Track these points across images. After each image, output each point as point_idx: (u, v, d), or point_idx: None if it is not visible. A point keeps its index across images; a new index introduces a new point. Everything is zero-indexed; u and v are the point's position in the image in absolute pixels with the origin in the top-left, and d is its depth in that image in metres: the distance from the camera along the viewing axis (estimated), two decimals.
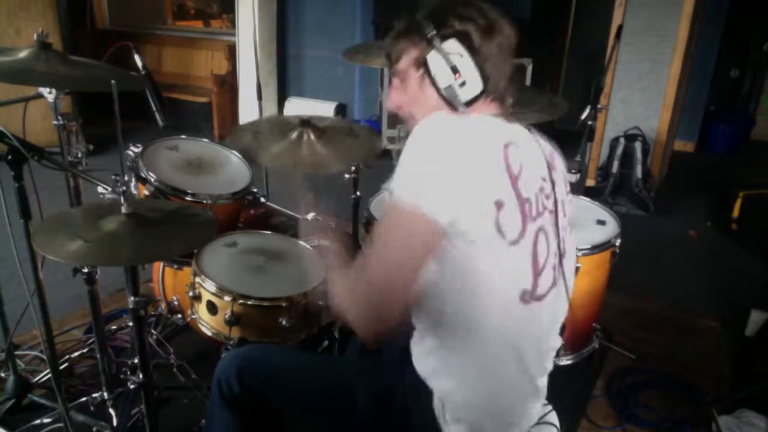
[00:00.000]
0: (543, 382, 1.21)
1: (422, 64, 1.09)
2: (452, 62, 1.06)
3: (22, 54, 1.65)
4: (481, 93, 1.08)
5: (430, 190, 0.97)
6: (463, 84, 1.07)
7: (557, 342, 1.23)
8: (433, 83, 1.09)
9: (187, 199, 1.96)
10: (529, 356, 1.12)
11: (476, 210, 0.98)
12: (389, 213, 1.01)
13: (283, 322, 1.65)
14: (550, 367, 1.23)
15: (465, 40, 1.06)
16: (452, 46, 1.06)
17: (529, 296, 1.07)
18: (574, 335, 2.11)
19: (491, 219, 0.98)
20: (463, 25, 1.06)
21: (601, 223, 2.13)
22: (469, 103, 1.09)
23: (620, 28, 2.83)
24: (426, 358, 1.15)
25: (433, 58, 1.07)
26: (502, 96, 1.13)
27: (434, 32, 1.06)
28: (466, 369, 1.10)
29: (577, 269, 1.94)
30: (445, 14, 1.07)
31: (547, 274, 1.10)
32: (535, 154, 1.12)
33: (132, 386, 1.48)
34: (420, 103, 1.14)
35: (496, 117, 1.10)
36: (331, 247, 1.21)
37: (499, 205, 0.99)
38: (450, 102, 1.09)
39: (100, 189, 1.59)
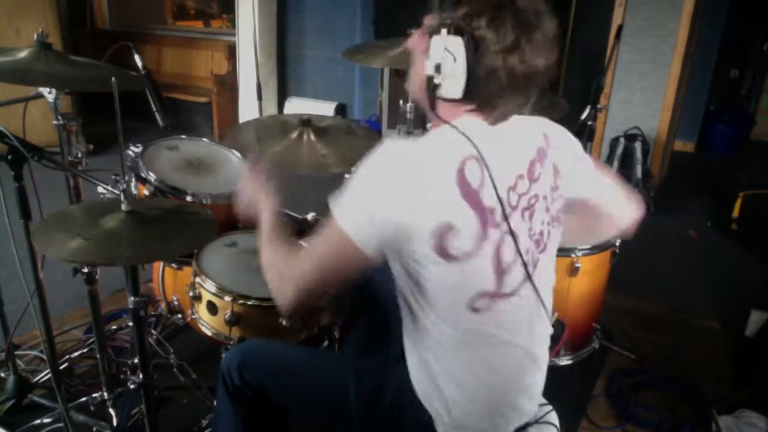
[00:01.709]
0: (532, 379, 1.20)
1: (429, 39, 1.03)
2: (439, 60, 1.00)
3: (22, 54, 1.65)
4: (459, 99, 1.03)
5: (363, 220, 1.01)
6: (439, 84, 1.03)
7: (543, 335, 1.22)
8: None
9: (187, 199, 1.96)
10: (503, 365, 1.13)
11: (413, 238, 1.01)
12: (329, 226, 1.05)
13: (283, 322, 1.65)
14: (542, 360, 1.22)
15: (474, 44, 0.98)
16: (456, 42, 0.99)
17: (491, 297, 1.07)
18: (574, 335, 2.11)
19: (430, 244, 1.00)
20: (486, 31, 0.98)
21: None
22: (444, 99, 1.05)
23: (620, 28, 2.83)
24: (413, 367, 1.16)
25: (434, 44, 1.02)
26: (491, 110, 1.06)
27: (449, 20, 0.99)
28: (444, 376, 1.12)
29: (577, 269, 1.95)
30: (483, 8, 0.99)
31: (517, 270, 1.09)
32: (515, 151, 1.10)
33: (132, 386, 1.48)
34: (414, 75, 1.11)
35: (473, 121, 1.06)
36: (265, 212, 1.28)
37: (446, 229, 1.00)
38: (427, 90, 1.05)
39: (100, 189, 1.60)
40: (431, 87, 1.03)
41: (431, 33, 1.02)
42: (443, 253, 1.01)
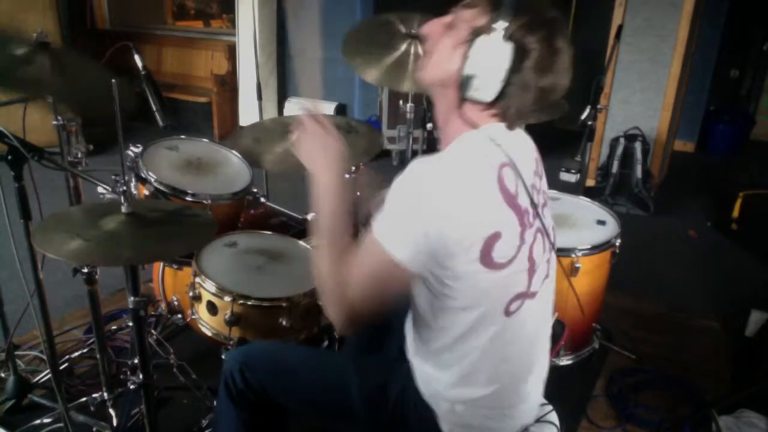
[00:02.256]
0: (532, 387, 1.21)
1: (472, 36, 1.01)
2: (483, 62, 0.99)
3: None
4: (486, 103, 1.03)
5: (413, 243, 0.99)
6: (475, 87, 1.01)
7: (548, 334, 1.24)
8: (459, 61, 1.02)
9: (187, 199, 1.96)
10: (517, 363, 1.14)
11: (459, 253, 0.99)
12: (370, 242, 1.03)
13: (283, 322, 1.65)
14: (545, 357, 1.23)
15: (521, 56, 0.98)
16: (504, 49, 0.98)
17: (523, 297, 1.08)
18: (574, 335, 2.11)
19: (476, 255, 0.99)
20: (535, 45, 0.98)
21: (601, 223, 2.13)
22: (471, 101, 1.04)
23: (620, 28, 2.83)
24: (420, 370, 1.17)
25: (481, 43, 1.00)
26: (513, 118, 1.06)
27: (506, 26, 0.97)
28: (457, 379, 1.12)
29: (577, 269, 1.95)
30: (534, 21, 0.99)
31: (542, 269, 1.12)
32: (528, 153, 1.15)
33: (132, 386, 1.48)
34: (437, 65, 1.08)
35: (497, 126, 1.06)
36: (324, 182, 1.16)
37: (494, 238, 1.00)
38: (458, 86, 1.03)
39: (100, 189, 1.60)
40: (465, 86, 1.02)
41: (476, 32, 1.00)
42: (488, 262, 1.01)
